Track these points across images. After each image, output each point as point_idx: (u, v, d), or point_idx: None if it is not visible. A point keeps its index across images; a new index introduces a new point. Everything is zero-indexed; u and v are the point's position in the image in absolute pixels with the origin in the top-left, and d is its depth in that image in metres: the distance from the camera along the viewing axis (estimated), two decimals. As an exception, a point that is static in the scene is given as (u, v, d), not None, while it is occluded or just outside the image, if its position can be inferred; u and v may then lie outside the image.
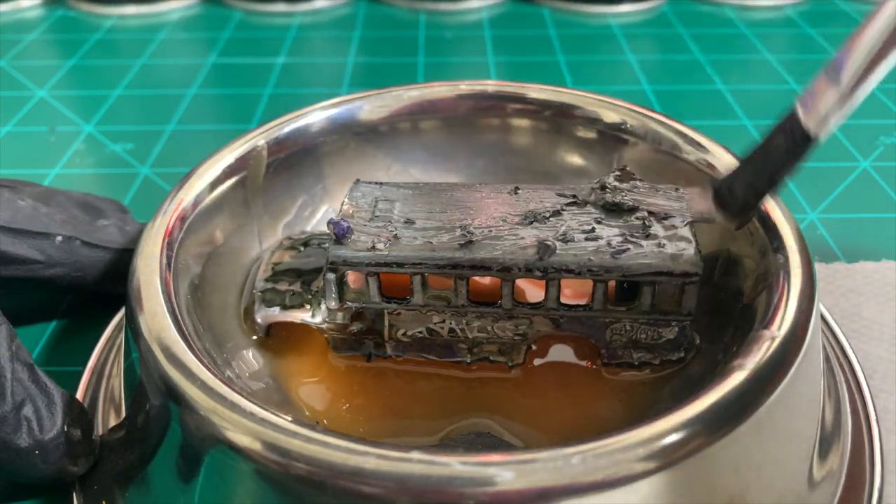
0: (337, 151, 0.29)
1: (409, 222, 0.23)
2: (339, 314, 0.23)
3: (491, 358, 0.24)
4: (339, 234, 0.22)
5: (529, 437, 0.22)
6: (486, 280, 0.24)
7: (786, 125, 0.20)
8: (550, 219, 0.23)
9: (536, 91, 0.29)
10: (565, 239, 0.22)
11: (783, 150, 0.20)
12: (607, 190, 0.24)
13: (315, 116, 0.28)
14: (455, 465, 0.16)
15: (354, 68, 0.49)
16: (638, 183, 0.24)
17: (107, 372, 0.26)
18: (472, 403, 0.23)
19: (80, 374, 0.26)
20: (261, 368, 0.24)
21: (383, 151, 0.30)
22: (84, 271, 0.27)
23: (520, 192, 0.24)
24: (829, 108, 0.19)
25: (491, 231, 0.23)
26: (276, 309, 0.24)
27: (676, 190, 0.24)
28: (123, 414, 0.23)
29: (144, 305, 0.21)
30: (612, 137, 0.28)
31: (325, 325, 0.24)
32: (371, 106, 0.29)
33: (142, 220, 0.28)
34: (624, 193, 0.23)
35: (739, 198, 0.22)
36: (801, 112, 0.20)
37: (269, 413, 0.17)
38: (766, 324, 0.19)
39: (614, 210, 0.23)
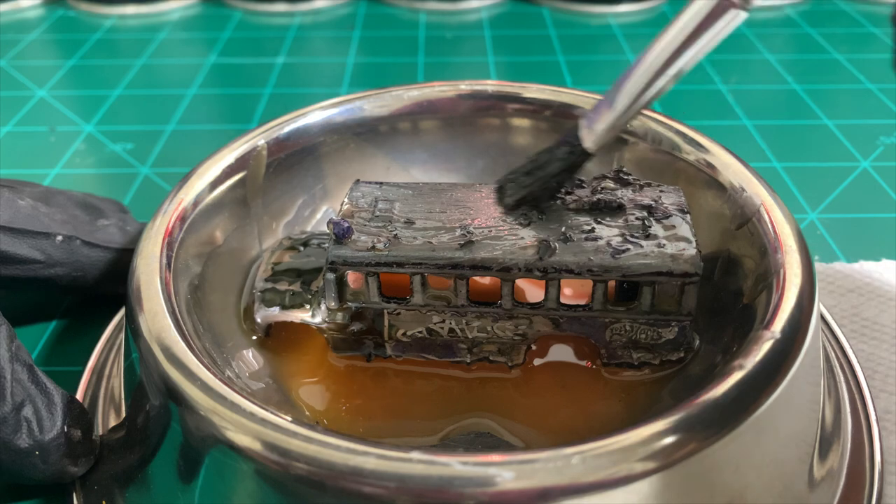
0: (337, 151, 0.29)
1: (409, 222, 0.23)
2: (339, 314, 0.23)
3: (491, 358, 0.24)
4: (339, 234, 0.22)
5: (529, 437, 0.22)
6: (486, 280, 0.24)
7: (570, 138, 0.23)
8: (550, 219, 0.23)
9: (536, 91, 0.29)
10: (565, 239, 0.22)
11: (563, 159, 0.23)
12: (605, 190, 0.24)
13: (315, 116, 0.28)
14: (455, 465, 0.16)
15: (354, 68, 0.49)
16: (633, 181, 0.24)
17: (107, 372, 0.26)
18: (472, 403, 0.23)
19: (80, 374, 0.26)
20: (261, 368, 0.24)
21: (383, 151, 0.30)
22: (84, 271, 0.27)
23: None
24: (605, 128, 0.22)
25: (491, 231, 0.23)
26: (276, 309, 0.24)
27: (675, 189, 0.24)
28: (123, 414, 0.23)
29: (144, 305, 0.21)
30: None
31: (324, 325, 0.24)
32: (371, 106, 0.29)
33: (142, 220, 0.28)
34: (617, 192, 0.23)
35: (516, 195, 0.23)
36: (583, 129, 0.22)
37: (269, 413, 0.17)
38: (766, 324, 0.19)
39: (603, 209, 0.23)
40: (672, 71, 0.21)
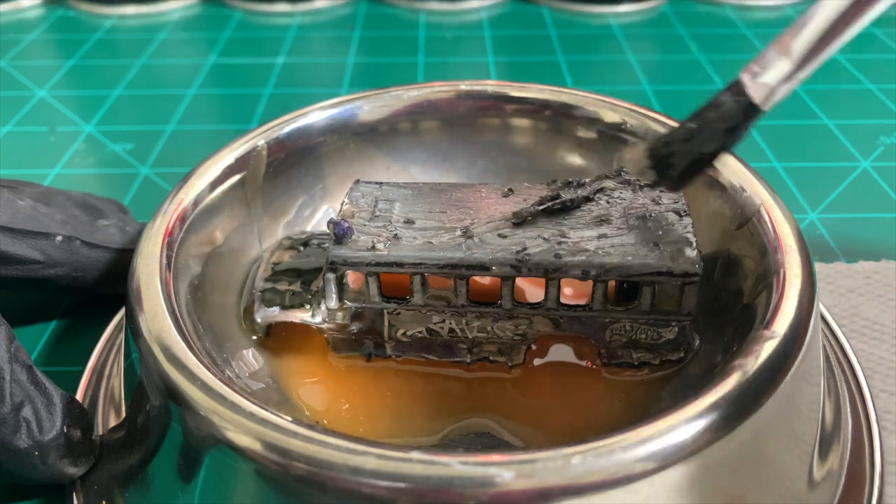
0: (337, 151, 0.29)
1: (409, 222, 0.23)
2: (339, 314, 0.23)
3: (491, 358, 0.24)
4: (339, 234, 0.22)
5: (529, 437, 0.22)
6: (486, 280, 0.24)
7: (731, 93, 0.19)
8: (549, 219, 0.23)
9: (536, 91, 0.29)
10: (565, 239, 0.22)
11: (727, 119, 0.19)
12: (605, 190, 0.24)
13: (315, 116, 0.28)
14: (455, 465, 0.16)
15: (354, 68, 0.49)
16: (633, 181, 0.24)
17: (107, 372, 0.26)
18: (472, 403, 0.23)
19: (80, 374, 0.26)
20: (261, 368, 0.24)
21: (383, 151, 0.30)
22: (84, 271, 0.27)
23: (519, 191, 0.24)
24: (778, 80, 0.19)
25: (491, 231, 0.23)
26: (276, 309, 0.24)
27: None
28: (123, 414, 0.23)
29: (144, 305, 0.21)
30: (612, 137, 0.28)
31: (324, 325, 0.24)
32: (371, 106, 0.29)
33: (142, 220, 0.28)
34: (616, 192, 0.23)
35: (677, 167, 0.21)
36: (747, 82, 0.19)
37: (269, 413, 0.17)
38: (766, 324, 0.19)
39: (601, 210, 0.23)
40: (858, 25, 0.17)
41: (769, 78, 0.19)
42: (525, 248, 0.22)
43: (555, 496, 0.16)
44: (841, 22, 0.18)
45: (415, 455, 0.16)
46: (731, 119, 0.19)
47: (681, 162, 0.21)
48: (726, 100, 0.20)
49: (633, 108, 0.28)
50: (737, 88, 0.19)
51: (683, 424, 0.17)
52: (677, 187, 0.22)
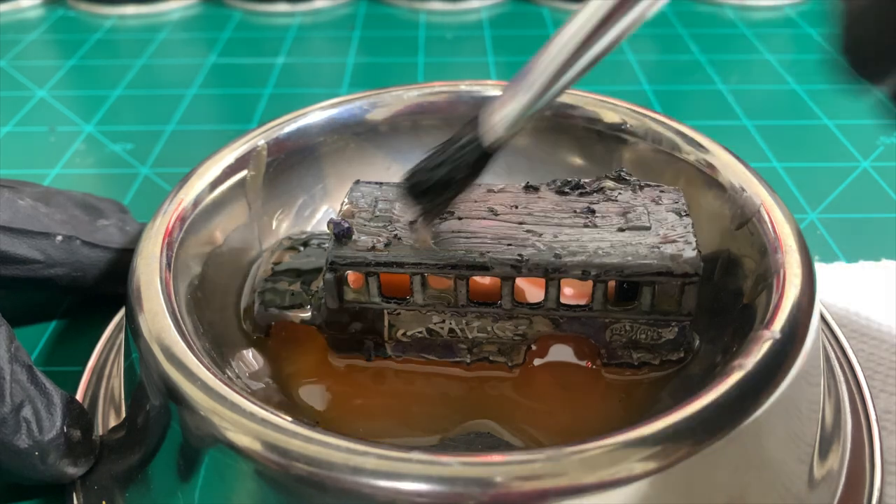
0: (337, 151, 0.29)
1: (410, 222, 0.23)
2: (339, 314, 0.23)
3: (491, 358, 0.24)
4: (339, 234, 0.22)
5: (529, 437, 0.22)
6: (485, 280, 0.24)
7: (470, 129, 0.20)
8: (550, 219, 0.23)
9: (536, 91, 0.29)
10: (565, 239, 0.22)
11: (466, 155, 0.20)
12: (605, 190, 0.24)
13: (315, 116, 0.28)
14: (455, 465, 0.16)
15: (354, 68, 0.49)
16: (633, 182, 0.24)
17: (107, 372, 0.25)
18: (472, 403, 0.23)
19: (80, 374, 0.26)
20: (261, 368, 0.24)
21: (383, 151, 0.30)
22: (84, 271, 0.27)
23: (520, 192, 0.24)
24: (507, 120, 0.19)
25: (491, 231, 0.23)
26: (276, 309, 0.24)
27: (675, 190, 0.24)
28: (123, 414, 0.23)
29: (144, 305, 0.21)
30: (612, 137, 0.28)
31: (325, 325, 0.24)
32: (371, 106, 0.29)
33: (142, 220, 0.28)
34: (616, 192, 0.23)
35: (429, 193, 0.21)
36: (483, 120, 0.20)
37: (269, 413, 0.17)
38: (766, 324, 0.19)
39: (602, 211, 0.23)
40: (587, 58, 0.19)
41: (498, 118, 0.20)
42: (525, 249, 0.22)
43: (555, 496, 0.16)
44: (566, 65, 0.19)
45: (415, 455, 0.16)
46: (468, 154, 0.20)
47: (431, 189, 0.21)
48: (466, 136, 0.20)
49: (633, 108, 0.28)
50: (474, 125, 0.20)
51: (683, 424, 0.17)
52: (428, 215, 0.22)
